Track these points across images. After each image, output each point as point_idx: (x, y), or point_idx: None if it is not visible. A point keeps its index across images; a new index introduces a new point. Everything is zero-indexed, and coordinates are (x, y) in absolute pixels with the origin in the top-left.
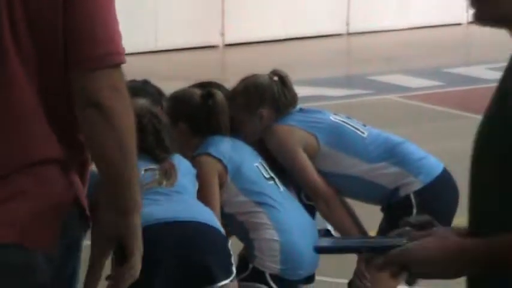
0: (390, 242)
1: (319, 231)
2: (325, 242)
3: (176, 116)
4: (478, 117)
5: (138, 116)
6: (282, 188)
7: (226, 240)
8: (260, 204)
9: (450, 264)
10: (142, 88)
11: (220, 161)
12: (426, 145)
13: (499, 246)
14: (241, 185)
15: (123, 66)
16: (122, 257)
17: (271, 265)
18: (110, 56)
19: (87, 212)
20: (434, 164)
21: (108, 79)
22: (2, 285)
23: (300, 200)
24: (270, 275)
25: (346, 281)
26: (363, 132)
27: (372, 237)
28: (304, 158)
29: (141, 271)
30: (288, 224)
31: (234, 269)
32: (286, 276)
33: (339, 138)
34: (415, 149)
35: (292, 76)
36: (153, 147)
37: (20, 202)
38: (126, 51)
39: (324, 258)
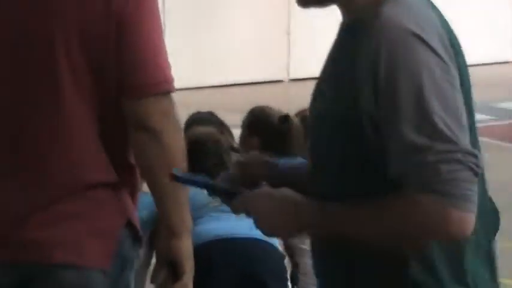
0: (227, 187)
1: None
2: (182, 174)
3: (253, 129)
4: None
5: (202, 140)
6: None
7: (282, 256)
8: None
9: (287, 218)
10: (207, 118)
11: None
12: None
13: (331, 211)
14: None
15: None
16: (175, 275)
17: None
18: (160, 84)
19: (140, 233)
20: None
21: (158, 105)
22: None
23: None
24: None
25: None
26: None
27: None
28: None
29: (200, 285)
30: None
31: (289, 285)
32: None
33: None
34: None
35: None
36: (213, 168)
37: (75, 224)
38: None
39: None
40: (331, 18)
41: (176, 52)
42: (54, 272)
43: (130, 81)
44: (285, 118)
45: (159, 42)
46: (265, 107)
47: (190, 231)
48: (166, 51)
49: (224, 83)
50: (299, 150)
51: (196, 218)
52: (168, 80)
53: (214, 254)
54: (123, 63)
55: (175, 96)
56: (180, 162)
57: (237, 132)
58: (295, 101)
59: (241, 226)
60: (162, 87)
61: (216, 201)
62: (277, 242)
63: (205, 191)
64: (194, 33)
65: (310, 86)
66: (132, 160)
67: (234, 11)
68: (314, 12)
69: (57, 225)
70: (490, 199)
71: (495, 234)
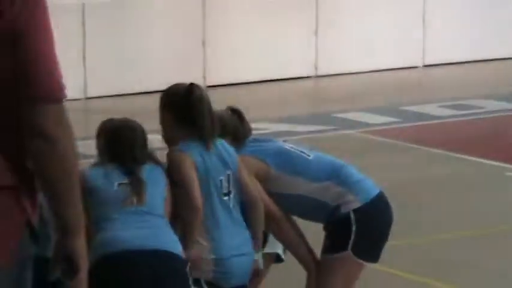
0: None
1: (271, 254)
2: None
3: (164, 106)
4: (430, 150)
5: (116, 128)
6: (233, 205)
7: (186, 264)
8: (205, 219)
9: None
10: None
11: (191, 157)
12: (378, 174)
13: None
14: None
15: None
16: (70, 271)
17: (205, 274)
18: (53, 92)
19: (37, 233)
20: (371, 187)
21: (51, 113)
22: None
23: None
24: (205, 281)
25: None
26: (308, 155)
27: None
28: (254, 183)
29: None
30: (226, 242)
31: None
32: (218, 284)
33: (286, 161)
34: (355, 172)
35: (267, 114)
36: (124, 158)
37: None
38: None
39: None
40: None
41: (95, 60)
42: None
43: (24, 90)
44: (190, 88)
45: (51, 52)
46: (172, 86)
47: (84, 228)
48: (58, 61)
49: (144, 90)
50: (210, 123)
51: (102, 219)
52: (61, 89)
53: (123, 265)
54: (17, 73)
55: (95, 103)
56: (72, 166)
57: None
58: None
59: (149, 236)
60: (55, 96)
61: (124, 201)
62: (181, 251)
63: (114, 186)
64: (113, 39)
65: (227, 92)
66: (29, 164)
67: (149, 20)
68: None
69: None
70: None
71: None
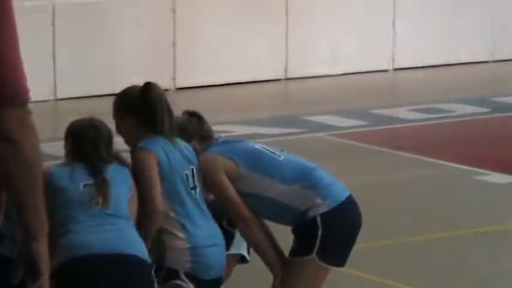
0: None
1: (235, 255)
2: None
3: (123, 110)
4: (399, 153)
5: (78, 128)
6: (200, 199)
7: (151, 267)
8: (176, 212)
9: None
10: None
11: (154, 154)
12: (347, 177)
13: None
14: (166, 188)
15: None
16: (32, 275)
17: (182, 264)
18: (16, 95)
19: (2, 233)
20: (341, 190)
21: (15, 116)
22: None
23: (221, 226)
24: (184, 272)
25: None
26: (279, 156)
27: None
28: (225, 182)
29: None
30: (198, 233)
31: None
32: (197, 275)
33: (257, 161)
34: (325, 175)
35: (236, 116)
36: (89, 157)
37: None
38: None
39: (240, 274)
40: (215, 29)
41: (65, 61)
42: None
43: None
44: (145, 87)
45: (16, 55)
46: (127, 88)
47: (47, 232)
48: (22, 63)
49: (113, 92)
50: (167, 118)
51: (67, 221)
52: (25, 92)
53: (88, 270)
54: None
55: (65, 104)
56: (36, 170)
57: None
58: (182, 107)
59: (114, 239)
60: (19, 99)
61: (88, 203)
62: (146, 254)
63: (80, 187)
64: (83, 40)
65: (197, 95)
66: None
67: (119, 23)
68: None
69: None
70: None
71: None
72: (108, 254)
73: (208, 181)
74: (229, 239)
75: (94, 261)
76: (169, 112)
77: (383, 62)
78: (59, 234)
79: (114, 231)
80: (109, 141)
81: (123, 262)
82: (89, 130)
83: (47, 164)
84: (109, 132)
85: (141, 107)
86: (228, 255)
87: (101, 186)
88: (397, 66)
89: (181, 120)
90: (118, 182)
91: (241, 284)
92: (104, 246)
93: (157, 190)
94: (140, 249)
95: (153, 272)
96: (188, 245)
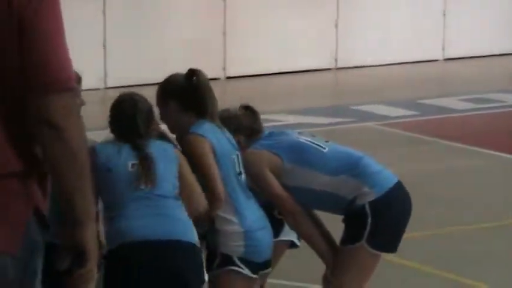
0: None
1: (285, 241)
2: None
3: (167, 95)
4: (448, 143)
5: (119, 100)
6: (245, 184)
7: (200, 251)
8: (229, 196)
9: None
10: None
11: (208, 139)
12: (396, 167)
13: None
14: (221, 173)
15: None
16: (80, 261)
17: (236, 249)
18: (61, 82)
19: (46, 220)
20: (389, 177)
21: (60, 102)
22: None
23: (272, 215)
24: (238, 257)
25: (311, 285)
26: (324, 148)
27: None
28: (270, 178)
29: (122, 282)
30: (249, 216)
31: (205, 277)
32: (251, 258)
33: (301, 154)
34: (372, 163)
35: (285, 106)
36: (128, 132)
37: None
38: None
39: (291, 263)
40: (265, 19)
41: (115, 50)
42: None
43: (33, 79)
44: (191, 73)
45: (60, 42)
46: (171, 75)
47: (94, 219)
48: (68, 50)
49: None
50: (212, 104)
51: (115, 203)
52: (69, 78)
53: (135, 256)
54: (26, 62)
55: (115, 92)
56: (81, 156)
57: None
58: (232, 97)
59: (162, 224)
60: (64, 85)
61: (136, 182)
62: (195, 238)
63: (128, 167)
64: (134, 30)
65: (247, 84)
66: (38, 151)
67: (170, 12)
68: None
69: None
70: None
71: None
72: (155, 241)
73: (254, 176)
74: (279, 227)
75: (142, 248)
76: (214, 99)
77: (434, 52)
78: (108, 217)
79: (162, 215)
80: (148, 116)
81: (170, 248)
82: (126, 103)
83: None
84: (149, 107)
85: (186, 92)
86: (277, 242)
87: (146, 165)
88: (447, 56)
89: (235, 114)
90: (163, 160)
91: (291, 272)
92: (152, 233)
93: (218, 179)
94: (188, 233)
95: (202, 256)
96: (241, 229)
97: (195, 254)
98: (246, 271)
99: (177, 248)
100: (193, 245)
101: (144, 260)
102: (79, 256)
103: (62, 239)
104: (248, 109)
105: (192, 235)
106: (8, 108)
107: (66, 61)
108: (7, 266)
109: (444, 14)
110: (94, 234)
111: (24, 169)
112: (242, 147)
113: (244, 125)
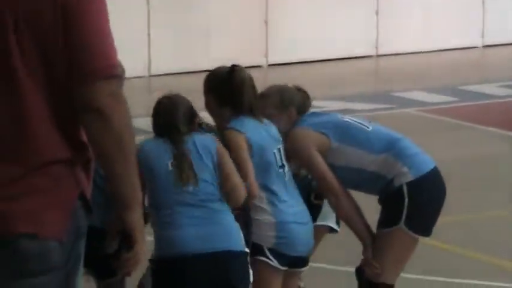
0: None
1: (322, 226)
2: None
3: (207, 87)
4: (487, 128)
5: (158, 101)
6: (288, 178)
7: (246, 256)
8: (265, 189)
9: None
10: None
11: (245, 136)
12: (435, 152)
13: None
14: (256, 166)
15: None
16: (127, 244)
17: (267, 240)
18: (106, 68)
19: (90, 205)
20: (427, 160)
21: (106, 88)
22: (25, 267)
23: (309, 201)
24: (268, 248)
25: (353, 269)
26: (367, 127)
27: None
28: (317, 157)
29: None
30: (285, 209)
31: (251, 279)
32: (282, 251)
33: (347, 133)
34: (411, 145)
35: (328, 92)
36: (168, 129)
37: (35, 197)
38: None
39: (332, 247)
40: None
41: (159, 38)
42: (17, 242)
43: (78, 66)
44: (232, 68)
45: (105, 29)
46: (215, 68)
47: (140, 203)
48: (112, 38)
49: (205, 68)
50: (252, 100)
51: (161, 207)
52: (114, 65)
53: (193, 270)
54: (71, 49)
55: (159, 80)
56: (128, 142)
57: None
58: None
59: (213, 235)
60: (109, 72)
61: (177, 181)
62: (243, 243)
63: (168, 166)
64: (177, 18)
65: (289, 71)
66: (84, 137)
67: (214, 1)
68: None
69: (19, 199)
70: None
71: None
72: (209, 254)
73: (299, 155)
74: (315, 213)
75: (196, 261)
76: (255, 93)
77: (473, 39)
78: (155, 215)
79: (212, 224)
80: (189, 112)
81: (223, 260)
82: (164, 100)
83: (140, 139)
84: (188, 104)
85: (223, 88)
86: (315, 227)
87: (181, 162)
88: (486, 43)
89: (288, 88)
90: (202, 155)
91: (327, 256)
92: (205, 245)
93: (252, 174)
94: (238, 241)
95: (248, 259)
96: (274, 220)
97: (244, 262)
98: (274, 263)
99: (229, 259)
100: (243, 253)
101: (198, 272)
102: (126, 239)
103: (109, 223)
104: (301, 90)
105: (241, 242)
106: (56, 96)
107: (111, 49)
108: (54, 250)
109: (483, 2)
110: (141, 218)
111: (70, 156)
112: (290, 120)
113: (296, 99)
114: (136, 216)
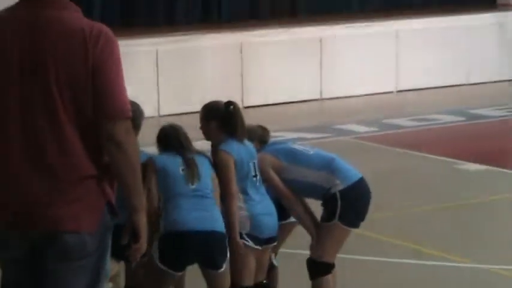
0: None
1: (292, 223)
2: None
3: (210, 116)
4: (401, 150)
5: (165, 127)
6: (259, 183)
7: (226, 237)
8: (242, 192)
9: None
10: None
11: (233, 156)
12: (363, 167)
13: None
14: (238, 176)
15: None
16: (134, 239)
17: (244, 227)
18: (123, 112)
19: (115, 209)
20: (355, 174)
21: (123, 126)
22: (69, 254)
23: (282, 205)
24: (245, 233)
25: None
26: (309, 151)
27: None
28: (272, 174)
29: (171, 257)
30: (256, 205)
31: (227, 255)
32: (255, 234)
33: (294, 156)
34: (342, 163)
35: (286, 126)
36: (176, 147)
37: (75, 204)
38: None
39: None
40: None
41: (166, 87)
42: (63, 236)
43: (103, 110)
44: (229, 103)
45: (121, 83)
46: (213, 101)
47: (145, 209)
48: (126, 90)
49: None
50: (242, 126)
51: (171, 196)
52: (128, 109)
53: (187, 243)
54: (97, 97)
55: (166, 119)
56: (136, 164)
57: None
58: (251, 120)
59: (203, 218)
60: (124, 114)
61: (185, 181)
62: (223, 227)
63: (180, 170)
64: (179, 72)
65: (259, 111)
66: (106, 160)
67: (203, 61)
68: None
69: (64, 206)
70: None
71: None
72: (200, 231)
73: (261, 172)
74: (287, 213)
75: (191, 236)
76: (243, 123)
77: (387, 85)
78: (165, 208)
79: (204, 211)
80: (185, 135)
81: (210, 237)
82: (167, 126)
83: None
84: (185, 131)
85: (225, 117)
86: (287, 223)
87: (192, 167)
88: (399, 88)
89: (253, 128)
90: (202, 166)
91: (289, 244)
92: (198, 225)
93: (235, 187)
94: (219, 224)
95: (226, 240)
96: (248, 214)
97: (224, 240)
98: (250, 243)
99: (213, 237)
100: (223, 234)
101: (193, 244)
102: (134, 234)
103: (127, 222)
104: (261, 127)
105: (222, 226)
106: (85, 130)
107: (125, 98)
108: (87, 241)
109: (396, 55)
110: (145, 220)
111: (98, 173)
112: (257, 150)
113: (257, 135)
114: (141, 217)
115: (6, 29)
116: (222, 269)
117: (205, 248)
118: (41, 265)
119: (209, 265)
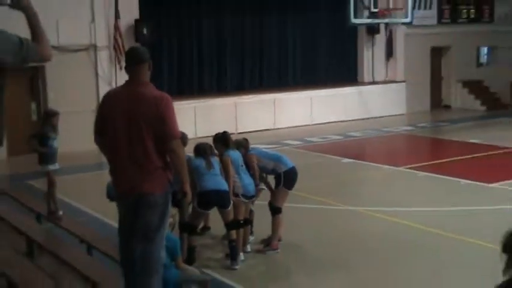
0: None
1: (261, 189)
2: None
3: (218, 141)
4: (322, 155)
5: (198, 144)
6: (245, 169)
7: (228, 193)
8: (237, 174)
9: None
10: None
11: (231, 158)
12: (297, 160)
13: None
14: (233, 166)
15: None
16: (183, 195)
17: (239, 191)
18: (176, 135)
19: (172, 183)
20: (291, 163)
21: (176, 142)
22: (150, 209)
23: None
24: (241, 194)
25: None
26: (271, 152)
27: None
28: (254, 165)
29: (202, 203)
30: (244, 181)
31: (231, 203)
32: (245, 193)
33: (264, 154)
34: (286, 158)
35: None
36: (204, 154)
37: (152, 181)
38: None
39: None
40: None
41: (197, 121)
42: (145, 195)
43: (165, 134)
44: (224, 132)
45: (175, 122)
46: (219, 133)
47: (188, 182)
48: (177, 123)
49: (208, 135)
50: (232, 143)
51: (201, 176)
52: (178, 135)
53: (207, 196)
54: (161, 127)
55: (201, 139)
56: (184, 162)
57: None
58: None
59: (217, 183)
60: (176, 137)
61: (205, 169)
62: (227, 188)
63: (204, 165)
64: (200, 120)
65: (247, 135)
66: (167, 159)
67: (215, 111)
68: None
69: (146, 182)
70: None
71: None
72: (215, 189)
73: (250, 164)
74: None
75: (210, 192)
76: (232, 141)
77: (305, 119)
78: (199, 181)
79: (217, 180)
80: (210, 148)
81: (220, 193)
82: (199, 144)
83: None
84: (207, 146)
85: (224, 140)
86: (259, 188)
87: (209, 163)
88: (313, 122)
89: (240, 140)
90: (214, 162)
91: (260, 199)
92: (215, 187)
93: (232, 172)
94: (225, 187)
95: (229, 195)
96: (241, 184)
97: (227, 194)
98: (243, 198)
99: (222, 192)
100: (227, 191)
101: (212, 197)
102: (184, 194)
103: (179, 189)
104: (245, 140)
105: (226, 187)
106: (157, 143)
107: (177, 129)
108: (159, 199)
109: (311, 99)
110: (189, 187)
111: (163, 166)
112: (242, 154)
113: (243, 144)
114: (187, 186)
115: (114, 99)
116: (228, 208)
117: (218, 198)
118: (136, 209)
119: (221, 206)
